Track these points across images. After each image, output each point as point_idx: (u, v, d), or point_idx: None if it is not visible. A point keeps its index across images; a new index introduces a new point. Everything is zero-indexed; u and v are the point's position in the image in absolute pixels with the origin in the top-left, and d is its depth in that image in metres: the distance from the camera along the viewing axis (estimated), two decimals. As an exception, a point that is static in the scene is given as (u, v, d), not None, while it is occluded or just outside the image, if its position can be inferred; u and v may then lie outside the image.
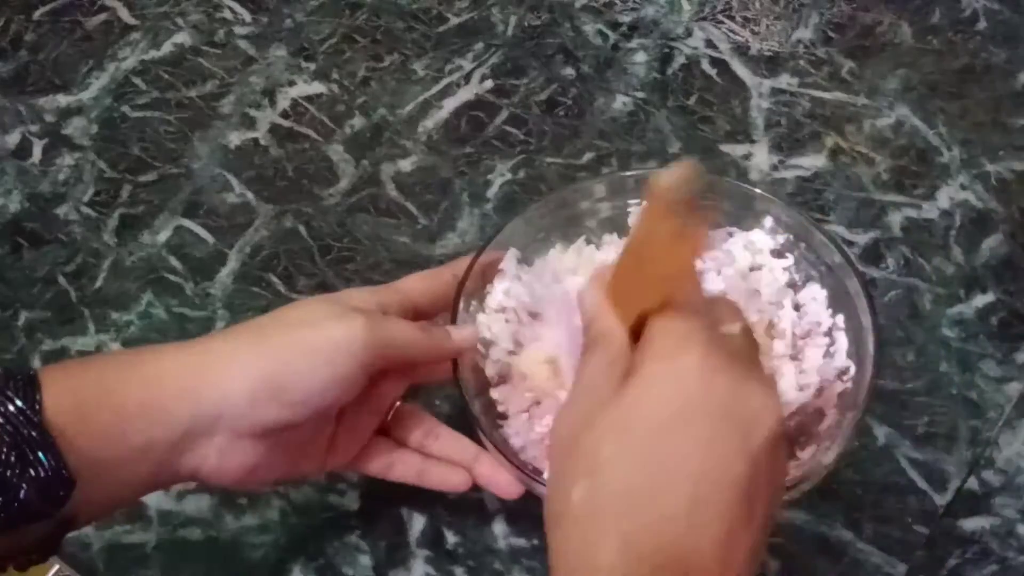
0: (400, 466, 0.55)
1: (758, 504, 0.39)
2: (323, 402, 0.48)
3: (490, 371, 0.55)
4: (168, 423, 0.45)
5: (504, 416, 0.54)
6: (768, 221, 0.58)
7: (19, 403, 0.41)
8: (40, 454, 0.41)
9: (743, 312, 0.45)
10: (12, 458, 0.41)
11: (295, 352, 0.47)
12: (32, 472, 0.41)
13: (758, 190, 0.58)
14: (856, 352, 0.54)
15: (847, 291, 0.55)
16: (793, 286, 0.57)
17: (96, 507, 0.45)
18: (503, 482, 0.53)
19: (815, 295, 0.57)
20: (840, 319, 0.55)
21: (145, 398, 0.45)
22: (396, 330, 0.50)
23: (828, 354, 0.55)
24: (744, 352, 0.43)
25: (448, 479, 0.55)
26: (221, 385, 0.46)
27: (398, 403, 0.55)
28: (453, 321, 0.55)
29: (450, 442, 0.55)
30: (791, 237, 0.57)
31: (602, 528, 0.39)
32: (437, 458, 0.55)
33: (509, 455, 0.51)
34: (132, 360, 0.47)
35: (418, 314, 0.54)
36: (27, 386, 0.42)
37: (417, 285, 0.54)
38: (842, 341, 0.55)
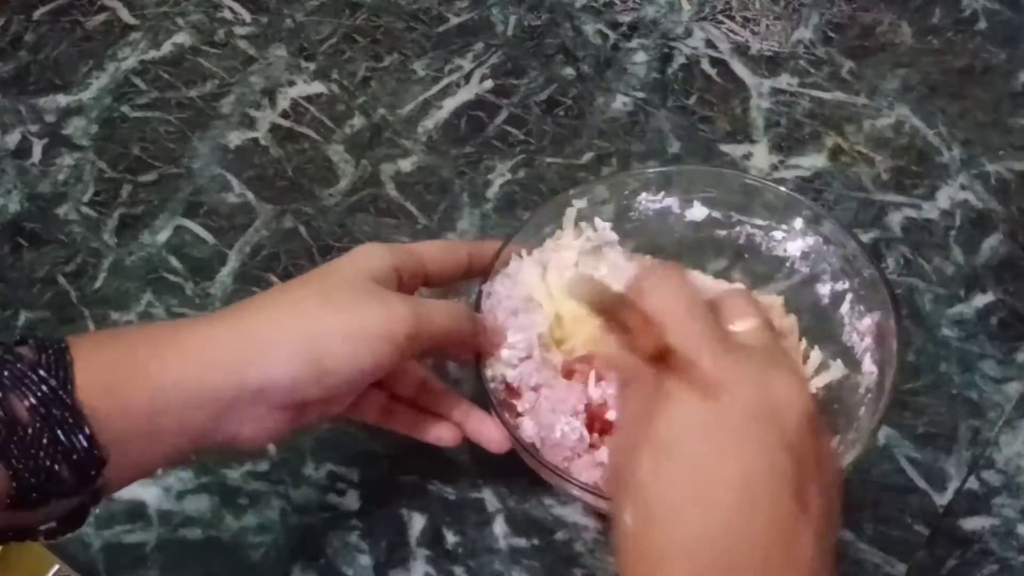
0: (396, 417, 0.56)
1: (810, 492, 0.39)
2: (360, 384, 0.50)
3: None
4: (207, 403, 0.45)
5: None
6: (798, 223, 0.59)
7: (52, 382, 0.41)
8: (72, 435, 0.41)
9: (752, 300, 0.45)
10: (45, 440, 0.41)
11: (340, 340, 0.47)
12: (64, 453, 0.41)
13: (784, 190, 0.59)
14: (879, 359, 0.55)
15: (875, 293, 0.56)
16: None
17: (128, 477, 0.46)
18: (491, 436, 0.54)
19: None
20: (867, 322, 0.56)
21: (181, 378, 0.45)
22: (438, 319, 0.50)
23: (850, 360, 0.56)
24: (760, 342, 0.43)
25: (440, 434, 0.56)
26: (264, 366, 0.46)
27: None
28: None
29: (443, 398, 0.56)
30: (819, 240, 0.58)
31: (659, 547, 0.39)
32: (431, 412, 0.56)
33: (503, 417, 0.53)
34: (165, 335, 0.47)
35: (428, 282, 0.55)
36: (58, 362, 0.42)
37: (434, 254, 0.54)
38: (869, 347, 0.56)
